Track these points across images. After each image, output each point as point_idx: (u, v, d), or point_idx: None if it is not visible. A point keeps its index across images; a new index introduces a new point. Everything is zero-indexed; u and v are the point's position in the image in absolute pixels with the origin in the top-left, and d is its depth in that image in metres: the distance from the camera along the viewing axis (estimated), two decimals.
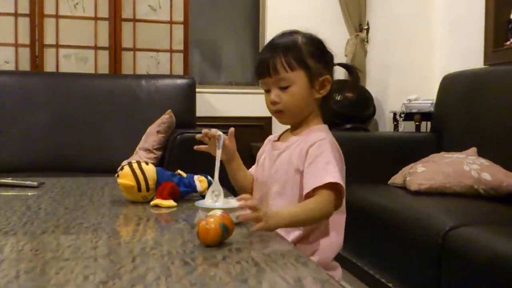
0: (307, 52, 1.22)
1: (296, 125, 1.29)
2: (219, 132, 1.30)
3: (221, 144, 1.28)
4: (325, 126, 1.28)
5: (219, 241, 0.96)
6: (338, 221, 1.23)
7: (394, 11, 3.58)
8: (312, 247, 1.20)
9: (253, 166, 1.40)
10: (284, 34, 1.27)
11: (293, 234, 1.20)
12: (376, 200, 2.20)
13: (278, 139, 1.33)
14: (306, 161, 1.18)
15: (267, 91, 1.25)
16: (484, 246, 1.52)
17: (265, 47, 1.28)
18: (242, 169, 1.37)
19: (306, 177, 1.17)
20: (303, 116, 1.26)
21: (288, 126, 1.32)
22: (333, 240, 1.22)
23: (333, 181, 1.12)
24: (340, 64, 1.33)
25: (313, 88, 1.22)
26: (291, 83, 1.21)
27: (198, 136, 1.32)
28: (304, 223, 1.15)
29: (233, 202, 1.15)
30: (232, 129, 1.33)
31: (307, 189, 1.14)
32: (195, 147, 1.34)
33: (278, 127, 1.34)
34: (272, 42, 1.27)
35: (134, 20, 3.61)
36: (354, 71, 1.38)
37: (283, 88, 1.22)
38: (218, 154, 1.27)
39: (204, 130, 1.31)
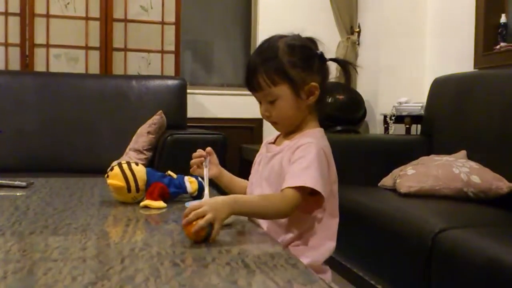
0: (289, 63, 1.20)
1: (291, 130, 1.29)
2: (203, 153, 1.36)
3: (207, 162, 1.35)
4: (320, 130, 1.27)
5: (204, 235, 0.97)
6: (330, 225, 1.23)
7: (386, 14, 3.60)
8: (303, 250, 1.19)
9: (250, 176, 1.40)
10: (266, 42, 1.26)
11: (285, 236, 1.20)
12: (366, 202, 2.21)
13: (274, 142, 1.33)
14: (291, 161, 1.19)
15: (260, 102, 1.27)
16: (473, 249, 1.53)
17: (250, 57, 1.28)
18: (234, 180, 1.39)
19: (286, 177, 1.17)
20: (298, 122, 1.27)
21: None
22: (324, 244, 1.22)
23: (306, 185, 1.12)
24: (333, 59, 1.32)
25: (300, 98, 1.22)
26: (276, 98, 1.22)
27: (195, 161, 1.36)
28: (257, 216, 1.15)
29: None
30: (209, 148, 1.37)
31: (282, 188, 1.15)
32: (192, 170, 1.37)
33: (269, 129, 1.35)
34: (255, 53, 1.27)
35: (126, 20, 3.59)
36: (347, 65, 1.34)
37: (271, 102, 1.23)
38: (206, 172, 1.33)
39: (197, 156, 1.36)
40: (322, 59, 1.26)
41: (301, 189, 1.13)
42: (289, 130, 1.29)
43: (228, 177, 1.39)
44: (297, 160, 1.17)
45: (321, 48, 1.27)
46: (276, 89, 1.21)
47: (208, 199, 1.04)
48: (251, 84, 1.23)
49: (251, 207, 1.11)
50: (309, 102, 1.23)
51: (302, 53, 1.23)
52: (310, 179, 1.13)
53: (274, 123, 1.27)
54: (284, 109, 1.22)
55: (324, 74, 1.26)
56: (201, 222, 0.97)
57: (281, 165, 1.22)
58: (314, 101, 1.24)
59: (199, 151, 1.36)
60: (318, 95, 1.23)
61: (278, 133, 1.34)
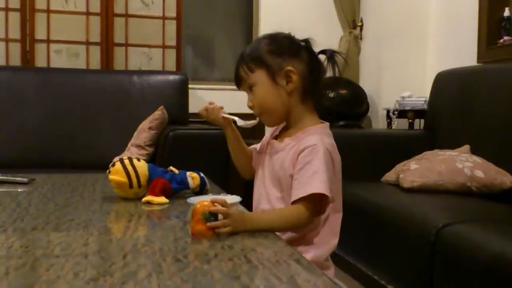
0: (266, 51, 1.23)
1: (288, 125, 1.28)
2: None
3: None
4: (322, 126, 1.26)
5: (203, 228, 0.98)
6: (334, 221, 1.23)
7: (388, 8, 3.58)
8: (307, 246, 1.19)
9: (254, 145, 1.39)
10: (253, 41, 1.31)
11: (289, 232, 1.19)
12: (369, 197, 2.20)
13: (278, 136, 1.31)
14: (296, 166, 1.18)
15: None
16: (477, 244, 1.52)
17: None
18: (242, 144, 1.38)
19: (294, 184, 1.17)
20: (282, 113, 1.26)
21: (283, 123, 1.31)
22: (328, 241, 1.22)
23: (317, 192, 1.13)
24: (320, 51, 1.30)
25: (277, 83, 1.22)
26: (254, 84, 1.24)
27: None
28: (273, 231, 1.13)
29: (225, 198, 1.17)
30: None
31: (292, 198, 1.15)
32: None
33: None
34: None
35: (126, 15, 3.58)
36: (333, 55, 1.31)
37: (251, 89, 1.26)
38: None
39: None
40: (308, 51, 1.25)
41: (313, 196, 1.13)
42: (278, 122, 1.29)
43: (238, 136, 1.37)
44: (304, 167, 1.16)
45: (317, 47, 1.27)
46: (253, 75, 1.24)
47: (234, 211, 1.04)
48: (235, 79, 1.28)
49: (268, 227, 1.09)
50: (288, 89, 1.22)
51: (280, 41, 1.25)
52: (319, 185, 1.13)
53: (259, 115, 1.28)
54: (262, 94, 1.24)
55: (309, 63, 1.24)
56: (220, 230, 0.99)
57: (282, 165, 1.22)
58: (295, 88, 1.23)
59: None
60: (301, 83, 1.22)
61: (281, 126, 1.33)
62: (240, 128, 1.36)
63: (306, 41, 1.26)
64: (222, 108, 1.34)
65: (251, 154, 1.38)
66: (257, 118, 1.31)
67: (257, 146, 1.38)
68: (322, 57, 1.28)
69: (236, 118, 1.34)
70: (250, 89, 1.26)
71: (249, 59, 1.24)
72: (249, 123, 1.32)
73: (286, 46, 1.24)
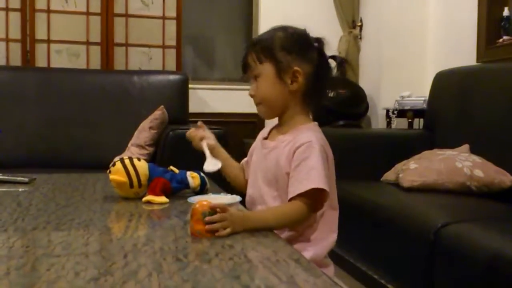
0: (279, 45, 1.23)
1: (281, 122, 1.29)
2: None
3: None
4: (314, 125, 1.27)
5: (203, 228, 0.98)
6: (330, 218, 1.23)
7: (388, 8, 3.59)
8: (305, 244, 1.20)
9: (245, 158, 1.40)
10: (269, 30, 1.29)
11: (286, 231, 1.20)
12: (368, 197, 2.20)
13: (268, 136, 1.32)
14: (292, 163, 1.18)
15: None
16: (476, 243, 1.52)
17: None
18: (230, 160, 1.41)
19: (290, 181, 1.17)
20: (280, 109, 1.26)
21: (276, 122, 1.32)
22: (326, 237, 1.22)
23: (316, 186, 1.13)
24: (331, 56, 1.32)
25: (282, 80, 1.23)
26: (260, 74, 1.25)
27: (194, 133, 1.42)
28: (271, 229, 1.13)
29: (225, 198, 1.18)
30: (200, 122, 1.45)
31: (290, 194, 1.16)
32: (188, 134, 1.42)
33: (271, 125, 1.34)
34: (254, 37, 1.30)
35: (127, 15, 3.59)
36: (343, 62, 1.34)
37: (256, 79, 1.26)
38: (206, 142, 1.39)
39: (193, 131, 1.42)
40: (320, 53, 1.26)
41: (311, 192, 1.13)
42: (273, 116, 1.29)
43: (225, 155, 1.40)
44: (301, 163, 1.17)
45: (326, 47, 1.27)
46: (261, 67, 1.24)
47: (230, 214, 1.03)
48: (242, 65, 1.28)
49: (267, 225, 1.09)
50: (292, 88, 1.23)
51: (295, 39, 1.25)
52: (318, 180, 1.14)
53: (258, 105, 1.28)
54: (265, 87, 1.24)
55: (317, 67, 1.25)
56: (220, 233, 0.99)
57: (277, 163, 1.22)
58: (298, 89, 1.23)
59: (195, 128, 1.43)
60: (305, 85, 1.23)
61: (271, 126, 1.34)
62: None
63: (319, 41, 1.27)
64: (203, 138, 1.38)
65: (242, 168, 1.40)
66: (219, 165, 1.33)
67: (245, 159, 1.40)
68: (331, 61, 1.29)
69: (207, 157, 1.35)
70: (255, 78, 1.26)
71: (260, 49, 1.24)
72: (211, 169, 1.33)
73: (299, 45, 1.24)
